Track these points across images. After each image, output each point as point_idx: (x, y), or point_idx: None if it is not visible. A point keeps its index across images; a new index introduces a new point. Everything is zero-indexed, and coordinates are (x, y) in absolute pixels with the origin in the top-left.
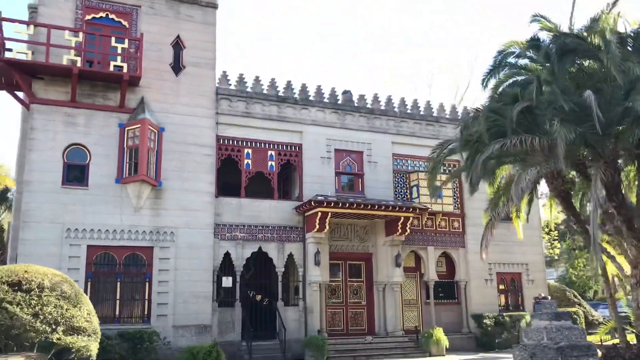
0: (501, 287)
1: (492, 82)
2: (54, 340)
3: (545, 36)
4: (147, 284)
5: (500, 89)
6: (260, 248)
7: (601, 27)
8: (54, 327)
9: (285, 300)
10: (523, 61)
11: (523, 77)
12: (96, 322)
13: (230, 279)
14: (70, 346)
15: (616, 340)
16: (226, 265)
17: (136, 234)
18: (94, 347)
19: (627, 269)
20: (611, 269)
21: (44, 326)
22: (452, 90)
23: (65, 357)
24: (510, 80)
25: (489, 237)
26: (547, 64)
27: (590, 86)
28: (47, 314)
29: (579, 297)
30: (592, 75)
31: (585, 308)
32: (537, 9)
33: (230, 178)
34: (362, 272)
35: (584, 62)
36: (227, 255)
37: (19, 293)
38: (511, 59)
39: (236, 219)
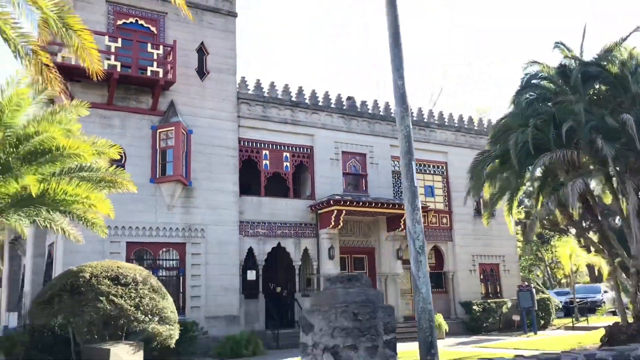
0: (482, 276)
1: (511, 99)
2: (150, 329)
3: (567, 62)
4: (181, 278)
5: (524, 105)
6: (279, 243)
7: (620, 58)
8: (150, 317)
9: (302, 291)
10: (541, 82)
11: (539, 95)
12: (176, 313)
13: (254, 272)
14: (159, 334)
15: (617, 319)
16: (249, 260)
17: (170, 231)
18: (175, 335)
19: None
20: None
21: (143, 316)
22: (426, 95)
23: (151, 344)
24: (528, 97)
25: (532, 233)
26: (565, 87)
27: (612, 109)
28: (145, 306)
29: (541, 285)
30: (607, 99)
31: (547, 294)
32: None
33: (245, 178)
34: (365, 265)
35: (596, 86)
36: (250, 250)
37: (119, 287)
38: (535, 81)
39: (257, 216)
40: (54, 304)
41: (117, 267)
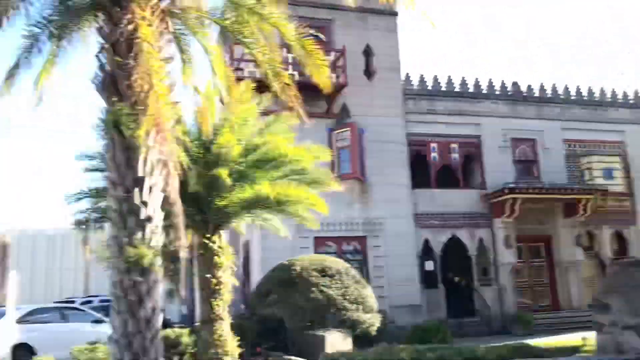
0: None
1: None
2: (355, 317)
3: None
4: (364, 269)
5: None
6: (453, 234)
7: None
8: (356, 305)
9: (480, 280)
10: None
11: None
12: (376, 302)
13: (431, 262)
14: (363, 322)
15: None
16: (424, 251)
17: (351, 225)
18: (377, 323)
19: None
20: None
21: (349, 305)
22: None
23: (355, 332)
24: None
25: None
26: None
27: None
28: (350, 295)
29: None
30: None
31: None
32: None
33: (413, 171)
34: (542, 253)
35: None
36: (425, 241)
37: (326, 278)
38: None
39: (430, 208)
40: (271, 295)
41: (323, 260)
